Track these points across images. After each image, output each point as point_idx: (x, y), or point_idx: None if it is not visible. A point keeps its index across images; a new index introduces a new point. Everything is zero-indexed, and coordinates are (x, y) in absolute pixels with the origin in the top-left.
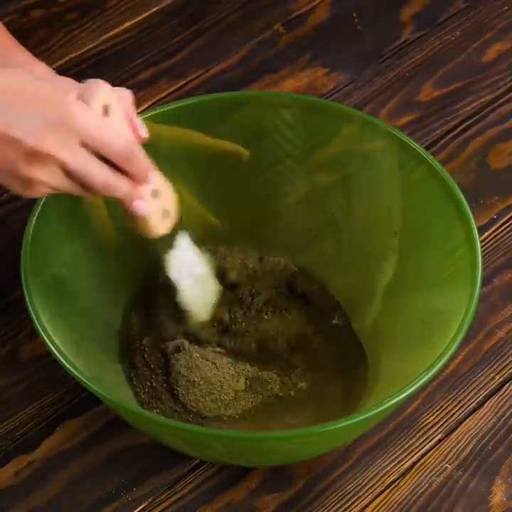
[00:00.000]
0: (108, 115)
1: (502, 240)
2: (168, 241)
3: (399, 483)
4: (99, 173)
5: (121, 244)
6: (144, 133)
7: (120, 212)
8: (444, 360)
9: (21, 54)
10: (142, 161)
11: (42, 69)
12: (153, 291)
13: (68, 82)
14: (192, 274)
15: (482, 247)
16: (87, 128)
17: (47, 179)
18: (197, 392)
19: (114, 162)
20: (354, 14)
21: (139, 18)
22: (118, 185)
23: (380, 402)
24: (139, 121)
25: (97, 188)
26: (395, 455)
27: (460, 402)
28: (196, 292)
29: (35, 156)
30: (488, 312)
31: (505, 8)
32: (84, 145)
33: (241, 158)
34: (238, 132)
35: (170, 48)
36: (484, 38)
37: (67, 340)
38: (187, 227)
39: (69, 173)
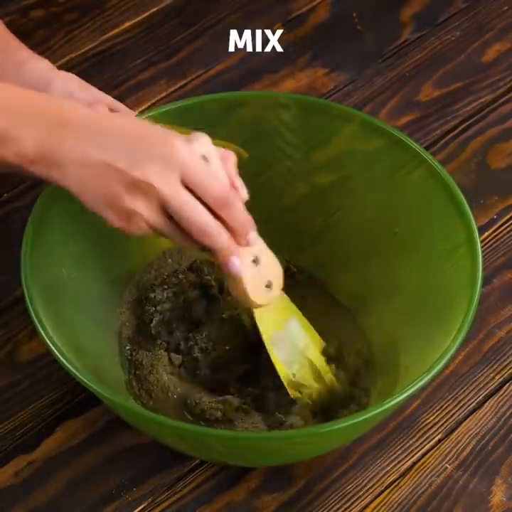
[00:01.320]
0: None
1: (502, 240)
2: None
3: (399, 483)
4: (197, 215)
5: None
6: (245, 194)
7: None
8: (444, 361)
9: (24, 52)
10: (242, 214)
11: (45, 65)
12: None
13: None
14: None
15: (482, 247)
16: (189, 164)
17: (145, 212)
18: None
19: (212, 207)
20: (354, 14)
21: (139, 18)
22: (216, 233)
23: (381, 402)
24: (240, 182)
25: (193, 230)
26: (395, 455)
27: (460, 402)
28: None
29: (137, 187)
30: (488, 312)
31: (505, 8)
32: (185, 184)
33: (240, 159)
34: (238, 132)
35: (170, 48)
36: (484, 38)
37: (67, 340)
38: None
39: (167, 210)
